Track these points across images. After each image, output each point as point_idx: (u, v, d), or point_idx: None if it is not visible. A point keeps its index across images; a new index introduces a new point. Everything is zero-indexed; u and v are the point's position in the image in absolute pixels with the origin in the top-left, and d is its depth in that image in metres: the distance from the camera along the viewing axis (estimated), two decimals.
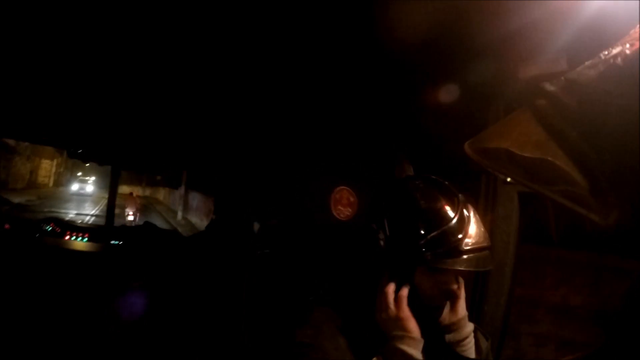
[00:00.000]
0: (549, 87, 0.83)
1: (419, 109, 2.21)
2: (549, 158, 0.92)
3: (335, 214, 2.74)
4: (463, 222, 1.26)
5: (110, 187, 5.26)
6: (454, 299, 1.36)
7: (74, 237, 4.25)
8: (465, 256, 1.24)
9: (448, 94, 1.98)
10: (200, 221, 17.71)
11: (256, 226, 3.55)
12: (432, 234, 1.24)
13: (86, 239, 4.25)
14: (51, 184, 33.66)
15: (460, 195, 1.33)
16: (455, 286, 1.34)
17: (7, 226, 4.15)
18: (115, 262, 3.97)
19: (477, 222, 1.30)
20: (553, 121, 0.84)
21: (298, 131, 2.95)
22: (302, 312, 1.40)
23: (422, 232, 1.25)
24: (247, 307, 2.66)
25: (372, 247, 1.32)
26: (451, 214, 1.27)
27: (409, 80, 2.10)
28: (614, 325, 0.83)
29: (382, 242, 1.29)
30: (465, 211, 1.29)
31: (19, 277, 3.60)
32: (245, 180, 3.88)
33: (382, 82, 2.20)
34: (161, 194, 32.53)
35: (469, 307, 1.40)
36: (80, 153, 4.54)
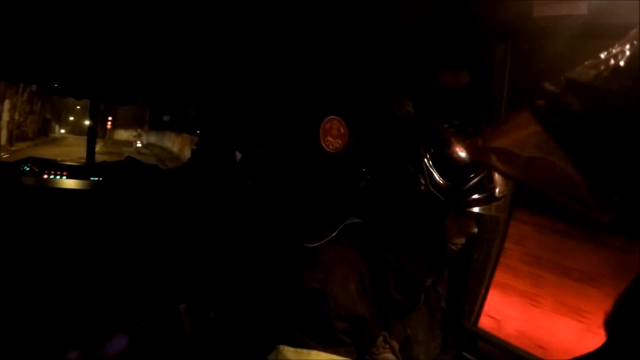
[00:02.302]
0: (550, 86, 0.80)
1: (421, 44, 2.13)
2: (549, 158, 0.93)
3: (324, 145, 2.61)
4: (493, 171, 1.29)
5: (90, 122, 5.15)
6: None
7: (52, 176, 4.15)
8: (495, 203, 1.30)
9: (454, 28, 1.92)
10: None
11: (238, 156, 3.42)
12: (473, 181, 1.28)
13: (65, 176, 4.14)
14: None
15: None
16: (476, 229, 1.38)
17: None
18: (96, 199, 3.87)
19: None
20: (553, 121, 0.84)
21: (287, 56, 2.80)
22: (312, 252, 1.37)
23: (463, 178, 1.28)
24: (237, 244, 2.59)
25: (409, 190, 1.32)
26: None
27: (411, 15, 1.97)
28: (614, 325, 0.83)
29: (422, 187, 1.29)
30: None
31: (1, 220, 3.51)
32: (228, 107, 3.73)
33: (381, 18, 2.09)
34: (172, 141, 23.34)
35: (459, 255, 1.44)
36: (56, 87, 4.39)
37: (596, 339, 1.23)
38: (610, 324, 0.89)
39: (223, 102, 3.79)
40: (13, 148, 18.10)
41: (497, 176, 1.32)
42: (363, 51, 2.41)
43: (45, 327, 2.90)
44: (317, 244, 1.39)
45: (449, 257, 1.40)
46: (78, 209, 3.74)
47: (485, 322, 1.96)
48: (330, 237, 1.40)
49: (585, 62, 0.79)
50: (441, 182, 1.29)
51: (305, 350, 1.24)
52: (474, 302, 1.96)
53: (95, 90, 4.46)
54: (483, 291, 1.96)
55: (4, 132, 18.06)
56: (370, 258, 1.37)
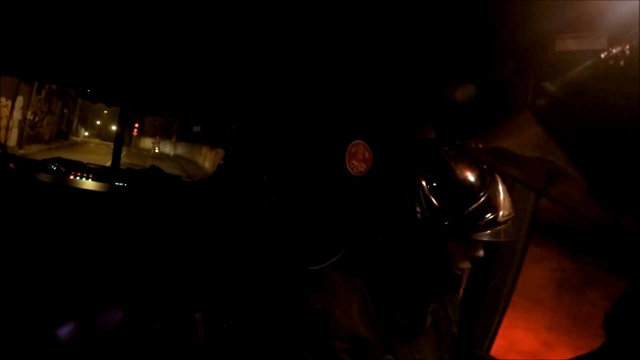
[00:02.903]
0: (550, 86, 0.82)
1: (445, 74, 2.14)
2: (549, 158, 0.97)
3: (349, 168, 2.63)
4: (497, 193, 1.26)
5: (118, 127, 5.23)
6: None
7: (78, 177, 4.23)
8: (499, 227, 1.25)
9: (478, 61, 1.91)
10: None
11: (265, 178, 3.46)
12: (473, 206, 1.24)
13: (90, 179, 4.22)
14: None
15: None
16: (482, 252, 1.34)
17: (12, 165, 4.14)
18: (119, 204, 3.93)
19: (504, 191, 1.28)
20: (553, 121, 0.85)
21: (316, 80, 2.83)
22: (317, 274, 1.39)
23: (463, 204, 1.25)
24: (247, 257, 2.60)
25: (406, 217, 1.30)
26: (484, 184, 1.26)
27: (437, 46, 2.01)
28: (614, 325, 0.84)
29: (419, 215, 1.27)
30: (494, 181, 1.27)
31: (23, 215, 3.60)
32: (257, 126, 3.77)
33: (409, 45, 2.12)
34: (204, 155, 21.54)
35: (474, 280, 1.53)
36: (88, 92, 4.48)
37: None
38: (609, 325, 0.88)
39: (255, 119, 3.83)
40: (22, 151, 15.62)
41: (501, 199, 1.27)
42: (388, 74, 2.43)
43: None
44: (318, 267, 1.41)
45: (455, 282, 1.39)
46: (101, 211, 3.80)
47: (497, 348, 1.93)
48: (331, 261, 1.41)
49: (586, 63, 0.79)
50: (439, 208, 1.26)
51: None
52: (487, 329, 1.94)
53: (127, 98, 4.54)
54: (497, 319, 1.94)
55: (14, 132, 16.32)
56: (374, 281, 1.37)
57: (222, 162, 4.51)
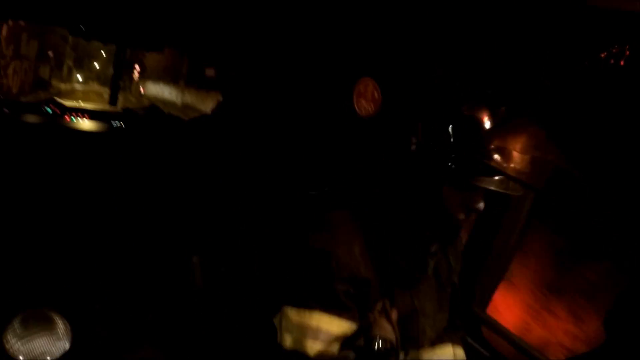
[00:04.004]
0: (549, 86, 0.74)
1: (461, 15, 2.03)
2: (548, 157, 0.98)
3: (356, 107, 2.50)
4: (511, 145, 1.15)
5: (115, 68, 5.13)
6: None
7: (73, 118, 4.16)
8: (497, 177, 1.16)
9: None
10: None
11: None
12: (476, 145, 1.16)
13: (86, 119, 4.15)
14: None
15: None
16: (481, 204, 1.26)
17: (5, 110, 4.08)
18: (118, 144, 3.87)
19: (525, 148, 1.16)
20: (553, 121, 0.86)
21: (324, 13, 2.68)
22: (317, 213, 1.34)
23: (466, 142, 1.17)
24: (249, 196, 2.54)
25: (403, 151, 1.26)
26: (494, 129, 1.17)
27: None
28: (612, 325, 0.84)
29: (413, 147, 1.23)
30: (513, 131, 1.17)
31: (20, 159, 3.57)
32: (259, 62, 3.64)
33: None
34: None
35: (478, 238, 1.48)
36: (83, 31, 4.34)
37: None
38: (609, 324, 0.87)
39: (258, 55, 3.69)
40: None
41: (515, 153, 1.17)
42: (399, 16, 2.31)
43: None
44: (318, 192, 1.40)
45: (452, 231, 1.33)
46: (97, 152, 3.75)
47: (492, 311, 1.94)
48: (331, 189, 1.39)
49: (586, 62, 0.80)
50: (436, 143, 1.20)
51: (307, 312, 1.23)
52: (486, 289, 1.95)
53: (122, 34, 4.38)
54: (497, 278, 1.95)
55: None
56: (375, 222, 1.32)
57: (221, 99, 4.39)
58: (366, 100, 2.51)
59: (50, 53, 19.60)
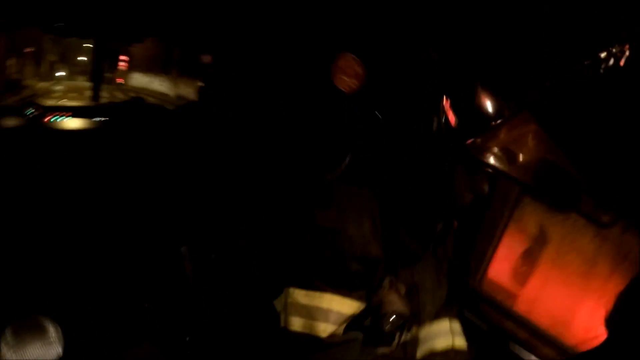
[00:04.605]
0: (549, 86, 0.84)
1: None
2: (548, 156, 1.01)
3: (337, 84, 2.45)
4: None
5: (95, 62, 5.03)
6: None
7: (56, 117, 4.10)
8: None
9: None
10: None
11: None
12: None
13: (69, 117, 4.09)
14: None
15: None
16: (486, 187, 1.33)
17: None
18: (103, 139, 3.83)
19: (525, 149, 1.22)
20: (553, 121, 0.91)
21: None
22: (324, 191, 1.33)
23: (481, 127, 1.21)
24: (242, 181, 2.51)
25: (423, 129, 1.29)
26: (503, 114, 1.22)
27: None
28: (615, 323, 0.90)
29: (435, 126, 1.27)
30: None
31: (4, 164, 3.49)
32: (240, 42, 3.58)
33: None
34: None
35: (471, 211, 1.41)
36: (59, 27, 4.27)
37: None
38: (612, 322, 0.87)
39: (238, 37, 3.64)
40: None
41: (515, 154, 1.22)
42: None
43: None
44: (335, 174, 1.34)
45: (459, 209, 1.32)
46: (82, 149, 3.71)
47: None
48: (345, 165, 1.35)
49: (585, 62, 0.79)
50: (456, 126, 1.23)
51: (317, 293, 1.22)
52: (481, 261, 1.92)
53: (99, 28, 4.31)
54: (491, 251, 1.92)
55: None
56: (382, 200, 1.32)
57: (202, 84, 4.35)
58: (347, 75, 2.46)
59: (27, 49, 19.85)
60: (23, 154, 3.59)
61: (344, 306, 1.20)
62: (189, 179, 3.31)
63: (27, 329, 1.58)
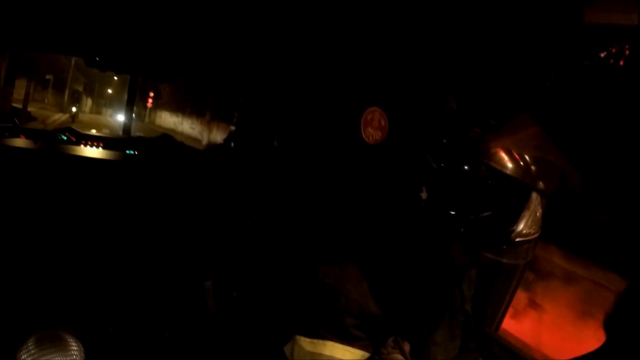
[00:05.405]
0: (549, 86, 0.79)
1: (470, 50, 2.04)
2: (549, 157, 0.94)
3: (364, 136, 2.56)
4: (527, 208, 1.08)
5: (128, 96, 5.24)
6: None
7: (88, 146, 4.27)
8: (512, 248, 1.11)
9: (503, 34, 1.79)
10: None
11: (276, 144, 3.41)
12: (486, 213, 1.09)
13: (100, 147, 4.25)
14: None
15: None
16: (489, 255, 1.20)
17: (22, 136, 4.18)
18: (131, 172, 3.95)
19: (535, 205, 1.09)
20: (553, 121, 0.84)
21: (333, 42, 2.75)
22: (328, 247, 1.36)
23: (476, 206, 1.10)
24: (259, 225, 2.57)
25: (411, 206, 1.23)
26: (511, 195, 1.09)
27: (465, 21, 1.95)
28: (614, 326, 0.85)
29: (422, 202, 1.18)
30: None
31: (33, 184, 3.64)
32: (269, 91, 3.71)
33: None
34: None
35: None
36: (98, 61, 4.44)
37: None
38: (610, 325, 0.87)
39: (268, 85, 3.76)
40: None
41: (527, 216, 1.09)
42: (407, 44, 2.35)
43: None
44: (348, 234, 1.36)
45: (460, 271, 1.35)
46: (111, 179, 3.83)
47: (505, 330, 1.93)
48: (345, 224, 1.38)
49: (585, 62, 0.81)
50: (446, 204, 1.13)
51: (321, 341, 1.24)
52: (498, 307, 1.93)
53: (135, 64, 4.49)
54: (507, 298, 1.93)
55: None
56: (385, 260, 1.33)
57: (232, 128, 4.47)
58: (373, 128, 2.57)
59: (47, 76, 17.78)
60: (55, 176, 3.70)
61: (345, 355, 1.22)
62: (215, 215, 3.38)
63: (49, 340, 1.59)
